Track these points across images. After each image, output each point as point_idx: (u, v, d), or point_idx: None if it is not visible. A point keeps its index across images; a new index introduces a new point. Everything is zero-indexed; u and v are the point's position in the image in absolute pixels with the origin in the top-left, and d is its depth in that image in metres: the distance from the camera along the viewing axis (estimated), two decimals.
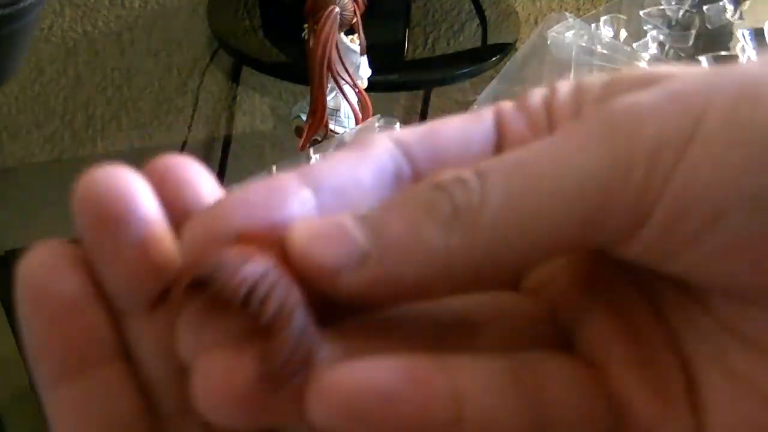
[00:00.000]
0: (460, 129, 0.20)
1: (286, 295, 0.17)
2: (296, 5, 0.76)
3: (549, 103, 0.20)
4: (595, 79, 0.19)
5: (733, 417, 0.18)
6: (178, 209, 0.19)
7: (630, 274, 0.21)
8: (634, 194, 0.16)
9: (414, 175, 0.20)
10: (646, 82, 0.18)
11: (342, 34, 0.74)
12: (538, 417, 0.18)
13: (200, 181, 0.19)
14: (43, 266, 0.18)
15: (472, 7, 1.38)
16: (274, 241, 0.18)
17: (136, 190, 0.18)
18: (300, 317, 0.17)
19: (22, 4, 0.44)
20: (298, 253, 0.17)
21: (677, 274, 0.17)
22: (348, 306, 0.19)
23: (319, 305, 0.18)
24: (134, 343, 0.19)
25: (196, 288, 0.17)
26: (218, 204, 0.18)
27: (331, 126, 0.76)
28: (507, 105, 0.20)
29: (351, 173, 0.19)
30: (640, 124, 0.16)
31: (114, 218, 0.18)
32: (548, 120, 0.20)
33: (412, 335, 0.19)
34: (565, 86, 0.20)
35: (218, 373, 0.17)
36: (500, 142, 0.20)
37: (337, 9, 0.73)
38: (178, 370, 0.19)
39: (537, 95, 0.20)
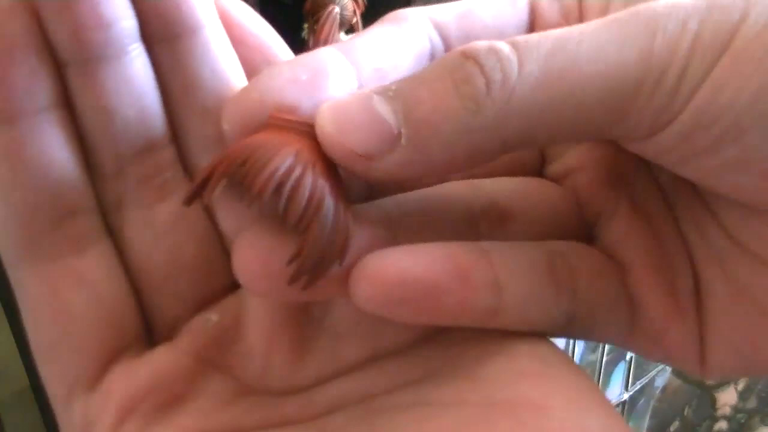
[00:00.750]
0: (496, 13, 0.20)
1: (314, 188, 0.16)
2: (296, 5, 0.76)
3: None
4: None
5: (729, 323, 0.19)
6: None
7: (651, 174, 0.21)
8: (664, 94, 0.16)
9: None
10: None
11: (342, 33, 0.74)
12: (569, 307, 0.18)
13: None
14: None
15: None
16: (307, 122, 0.17)
17: None
18: (330, 209, 0.17)
19: None
20: (327, 140, 0.17)
21: (691, 178, 0.17)
22: (380, 184, 0.18)
23: (353, 183, 0.18)
24: (75, 95, 0.18)
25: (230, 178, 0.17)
26: (260, 81, 0.17)
27: None
28: None
29: (391, 54, 0.18)
30: (680, 27, 0.16)
31: None
32: (580, 11, 0.20)
33: (447, 219, 0.19)
34: None
35: (256, 252, 0.17)
36: (532, 28, 0.20)
37: (337, 9, 0.73)
38: (118, 131, 0.19)
39: None
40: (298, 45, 0.85)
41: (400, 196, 0.19)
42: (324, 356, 0.20)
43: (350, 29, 0.76)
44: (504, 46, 0.16)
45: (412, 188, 0.20)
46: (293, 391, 0.20)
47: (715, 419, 1.06)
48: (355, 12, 0.74)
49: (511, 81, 0.16)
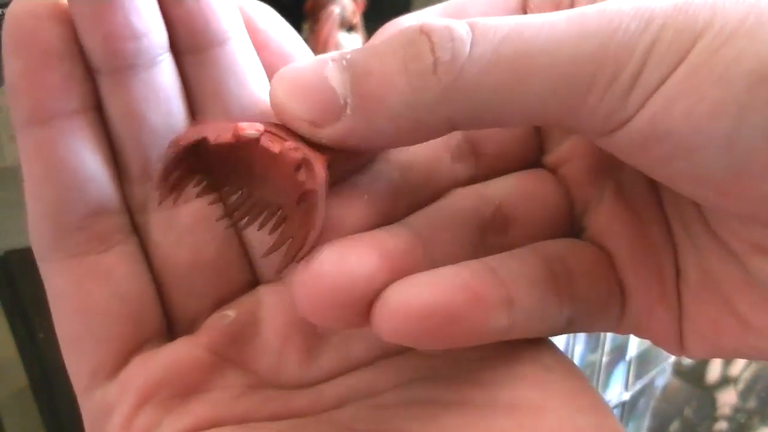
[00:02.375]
0: (487, 9, 0.20)
1: (318, 171, 0.17)
2: (296, 5, 0.76)
3: None
4: None
5: (698, 310, 0.19)
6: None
7: None
8: (616, 96, 0.16)
9: None
10: None
11: (343, 33, 0.74)
12: (570, 310, 0.19)
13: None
14: (28, 13, 0.18)
15: None
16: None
17: None
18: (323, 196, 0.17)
19: None
20: (277, 106, 0.17)
21: (654, 178, 0.18)
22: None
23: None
24: (106, 101, 0.19)
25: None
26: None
27: None
28: None
29: None
30: (642, 27, 0.16)
31: None
32: (571, 5, 0.20)
33: (464, 233, 0.19)
34: None
35: (326, 284, 0.18)
36: None
37: (337, 9, 0.73)
38: (145, 136, 0.19)
39: None
40: None
41: (428, 212, 0.20)
42: (335, 353, 0.21)
43: (351, 29, 0.76)
44: (460, 26, 0.16)
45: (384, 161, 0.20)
46: (304, 385, 0.21)
47: (715, 419, 1.06)
48: (355, 12, 0.74)
49: (458, 61, 0.16)
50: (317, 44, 0.72)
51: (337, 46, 0.72)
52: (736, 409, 1.05)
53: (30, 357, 0.60)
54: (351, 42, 0.75)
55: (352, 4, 0.73)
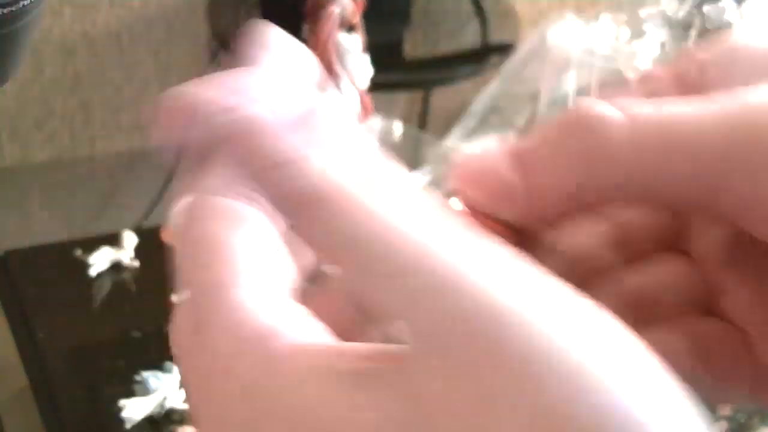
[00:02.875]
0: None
1: None
2: (296, 5, 0.76)
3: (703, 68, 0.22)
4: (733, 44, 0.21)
5: None
6: None
7: None
8: (757, 183, 0.18)
9: None
10: None
11: (343, 33, 0.74)
12: (721, 383, 0.21)
13: None
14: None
15: (472, 7, 1.38)
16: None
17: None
18: None
19: (22, 4, 0.44)
20: (463, 192, 0.20)
21: None
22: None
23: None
24: None
25: None
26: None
27: None
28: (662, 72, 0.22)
29: None
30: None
31: None
32: (700, 78, 0.21)
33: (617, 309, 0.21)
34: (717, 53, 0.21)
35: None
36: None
37: (337, 9, 0.73)
38: None
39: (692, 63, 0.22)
40: None
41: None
42: None
43: (351, 29, 0.75)
44: (615, 113, 0.19)
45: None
46: None
47: (715, 419, 1.06)
48: (355, 12, 0.74)
49: (619, 149, 0.19)
50: (317, 44, 0.72)
51: (337, 47, 0.72)
52: (736, 409, 1.05)
53: (30, 357, 0.60)
54: (351, 42, 0.75)
55: (352, 4, 0.73)
